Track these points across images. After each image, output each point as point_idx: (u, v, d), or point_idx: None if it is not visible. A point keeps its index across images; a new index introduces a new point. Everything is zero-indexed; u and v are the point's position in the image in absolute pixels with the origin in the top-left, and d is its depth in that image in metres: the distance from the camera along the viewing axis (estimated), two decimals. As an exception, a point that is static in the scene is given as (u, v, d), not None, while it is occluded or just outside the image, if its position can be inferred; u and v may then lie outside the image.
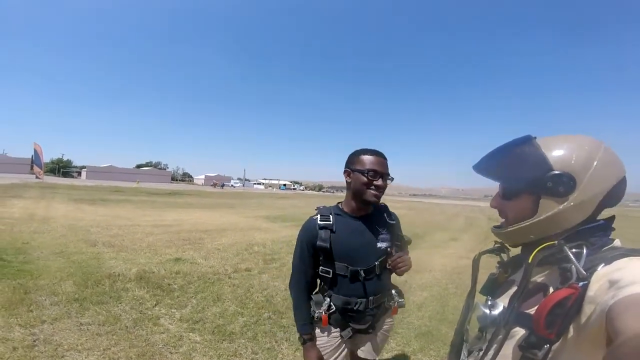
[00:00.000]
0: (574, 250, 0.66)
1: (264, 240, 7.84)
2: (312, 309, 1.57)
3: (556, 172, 0.70)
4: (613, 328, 0.50)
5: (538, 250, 0.69)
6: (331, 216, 1.55)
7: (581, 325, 0.59)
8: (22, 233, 6.67)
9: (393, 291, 1.66)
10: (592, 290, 0.59)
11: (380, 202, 1.63)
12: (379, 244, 1.55)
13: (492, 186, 0.92)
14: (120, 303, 3.48)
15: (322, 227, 1.51)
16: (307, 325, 1.56)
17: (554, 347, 0.62)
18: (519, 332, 0.69)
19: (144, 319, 3.18)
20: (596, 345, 0.57)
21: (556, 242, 0.69)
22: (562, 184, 0.70)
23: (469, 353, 0.83)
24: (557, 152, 0.72)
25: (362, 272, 1.50)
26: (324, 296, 1.57)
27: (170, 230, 8.46)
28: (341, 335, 1.56)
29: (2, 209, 10.06)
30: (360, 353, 1.68)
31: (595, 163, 0.70)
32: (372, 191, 1.48)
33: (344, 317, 1.55)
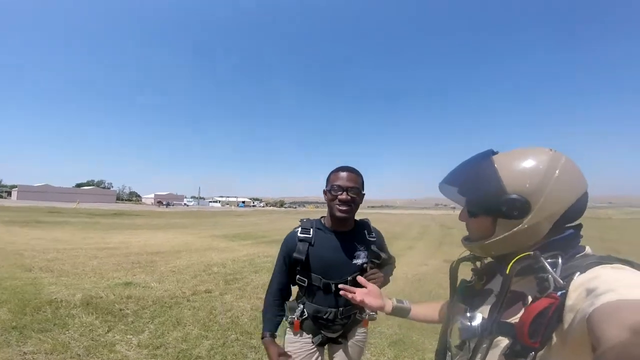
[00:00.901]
0: (549, 260, 0.68)
1: (224, 260, 7.52)
2: (286, 314, 1.65)
3: (510, 196, 0.71)
4: (594, 336, 0.52)
5: (515, 261, 0.70)
6: (312, 230, 1.61)
7: (564, 333, 0.62)
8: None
9: None
10: (570, 299, 0.61)
11: (363, 218, 1.76)
12: (355, 260, 1.60)
13: (442, 196, 0.97)
14: (67, 330, 3.13)
15: (301, 240, 1.58)
16: (270, 325, 1.63)
17: (539, 354, 0.63)
18: (503, 340, 0.70)
19: (97, 346, 2.88)
20: (581, 350, 0.59)
21: (532, 252, 0.70)
22: (516, 208, 0.71)
23: None
24: (512, 174, 0.73)
25: (333, 286, 1.56)
26: (299, 303, 1.66)
27: (116, 253, 7.85)
28: (312, 341, 1.64)
29: None
30: None
31: (550, 184, 0.70)
32: (337, 206, 1.53)
33: (315, 324, 1.63)
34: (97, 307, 3.85)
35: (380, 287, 1.61)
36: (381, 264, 1.71)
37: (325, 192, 1.61)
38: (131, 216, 24.40)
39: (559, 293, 0.62)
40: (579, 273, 0.63)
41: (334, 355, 1.74)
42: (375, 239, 1.70)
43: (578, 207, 0.73)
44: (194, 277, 5.82)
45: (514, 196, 0.71)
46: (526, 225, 0.72)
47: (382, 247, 1.74)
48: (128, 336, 3.16)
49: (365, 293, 1.25)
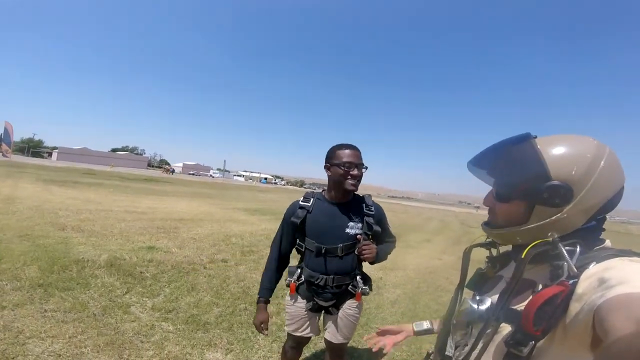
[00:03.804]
0: (567, 248, 0.65)
1: (242, 232, 7.73)
2: (286, 278, 1.82)
3: (554, 182, 0.67)
4: (602, 328, 0.50)
5: (532, 246, 0.68)
6: (312, 199, 1.78)
7: (567, 323, 0.59)
8: (-17, 213, 6.28)
9: (358, 277, 1.78)
10: (580, 288, 0.58)
11: (365, 194, 1.87)
12: (348, 230, 1.71)
13: (466, 194, 0.90)
14: (88, 290, 3.33)
15: (301, 207, 1.76)
16: (266, 290, 1.80)
17: (539, 344, 0.62)
18: (505, 328, 0.69)
19: (114, 306, 3.05)
20: (581, 343, 0.58)
21: (551, 239, 0.67)
22: (559, 195, 0.67)
23: (456, 347, 0.83)
24: (558, 160, 0.69)
25: (324, 249, 1.69)
26: (297, 268, 1.82)
27: (143, 217, 8.19)
28: (305, 307, 1.79)
29: (-39, 187, 9.46)
30: (326, 335, 1.88)
31: (595, 175, 0.66)
32: (350, 181, 1.66)
33: (309, 290, 1.77)
34: (120, 268, 4.06)
35: (372, 261, 1.74)
36: (374, 236, 1.81)
37: (329, 167, 1.72)
38: (160, 182, 25.39)
39: (570, 281, 0.60)
40: (594, 263, 0.61)
41: (326, 326, 1.87)
42: (372, 213, 1.78)
43: (614, 201, 0.70)
44: (212, 245, 6.03)
45: (558, 183, 0.67)
46: (565, 215, 0.68)
47: (380, 221, 1.82)
48: (144, 299, 3.33)
49: (386, 339, 1.24)
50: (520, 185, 0.73)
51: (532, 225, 0.71)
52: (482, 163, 0.82)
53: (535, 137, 0.74)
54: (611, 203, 0.69)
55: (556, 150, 0.69)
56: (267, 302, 1.80)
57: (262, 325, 1.76)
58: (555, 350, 0.62)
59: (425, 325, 1.18)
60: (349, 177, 1.65)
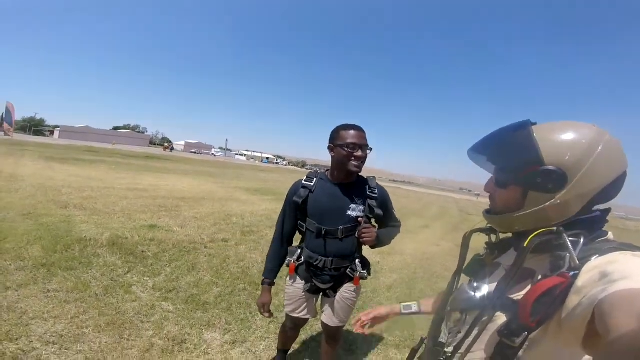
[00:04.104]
0: (571, 238, 0.65)
1: (243, 212, 7.77)
2: (287, 258, 1.82)
3: (547, 167, 0.67)
4: (603, 324, 0.49)
5: (536, 235, 0.67)
6: (315, 179, 1.76)
7: (563, 316, 0.59)
8: (-14, 192, 6.32)
9: (357, 261, 1.78)
10: (580, 281, 0.58)
11: (370, 176, 1.84)
12: (349, 212, 1.69)
13: (467, 181, 0.88)
14: (90, 269, 3.39)
15: (303, 187, 1.75)
16: (269, 272, 1.83)
17: (532, 335, 0.62)
18: (500, 317, 0.69)
19: (115, 286, 3.11)
20: (574, 336, 0.57)
21: (555, 228, 0.67)
22: (551, 180, 0.67)
23: (449, 333, 0.83)
24: (552, 145, 0.68)
25: (324, 231, 1.68)
26: (298, 248, 1.82)
27: (145, 195, 8.24)
28: (303, 288, 1.80)
29: (-36, 165, 9.49)
30: (322, 317, 1.90)
31: (591, 160, 0.66)
32: (353, 162, 1.64)
33: (308, 271, 1.78)
34: (122, 247, 4.11)
35: (373, 244, 1.72)
36: (377, 219, 1.80)
37: (332, 148, 1.69)
38: (162, 160, 25.42)
39: (571, 273, 0.59)
40: (597, 256, 0.60)
41: (323, 309, 1.89)
42: (376, 196, 1.75)
43: (614, 189, 0.69)
44: (213, 224, 6.08)
45: (551, 167, 0.67)
46: (558, 201, 0.67)
47: (384, 205, 1.80)
48: (145, 278, 3.39)
49: (367, 314, 1.28)
50: (516, 171, 0.73)
51: (527, 212, 0.71)
52: (481, 150, 0.82)
53: (535, 123, 0.74)
54: (609, 191, 0.69)
55: (552, 136, 0.69)
56: (271, 284, 1.83)
57: (264, 307, 1.80)
58: (547, 343, 0.63)
59: (414, 307, 1.19)
60: (353, 158, 1.63)
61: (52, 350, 2.16)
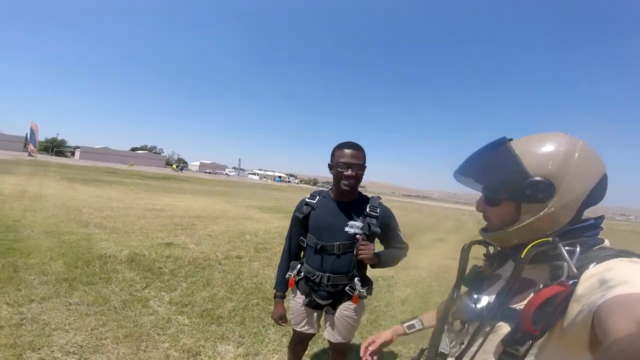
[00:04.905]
0: (567, 248, 0.66)
1: (256, 229, 7.87)
2: (288, 272, 1.87)
3: (534, 178, 0.70)
4: (602, 328, 0.49)
5: (532, 246, 0.69)
6: (318, 197, 1.84)
7: (565, 324, 0.60)
8: (12, 210, 6.62)
9: (356, 279, 1.76)
10: (580, 289, 0.59)
11: (375, 195, 1.88)
12: (347, 229, 1.71)
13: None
14: (109, 284, 3.50)
15: (306, 204, 1.82)
16: (280, 285, 1.89)
17: (537, 343, 0.62)
18: (503, 327, 0.69)
19: (133, 300, 3.20)
20: (579, 343, 0.58)
21: (551, 238, 0.68)
22: (540, 190, 0.69)
23: (452, 343, 0.83)
24: (533, 157, 0.71)
25: (319, 246, 1.73)
26: (299, 263, 1.87)
27: (162, 214, 8.44)
28: (303, 302, 1.83)
29: (-8, 186, 9.95)
30: (325, 333, 1.92)
31: (572, 165, 0.69)
32: (344, 181, 1.69)
33: (307, 286, 1.81)
34: (140, 263, 4.23)
35: (372, 262, 1.70)
36: (380, 239, 1.81)
37: (331, 167, 1.76)
38: (178, 180, 25.98)
39: (570, 282, 0.61)
40: (594, 264, 0.61)
41: (327, 325, 1.90)
42: (376, 215, 1.75)
43: (599, 190, 0.72)
44: (228, 242, 6.18)
45: (538, 178, 0.70)
46: (552, 209, 0.70)
47: (385, 224, 1.78)
48: (162, 293, 3.47)
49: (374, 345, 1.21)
50: (504, 187, 0.76)
51: (523, 224, 0.73)
52: (466, 172, 0.84)
53: (511, 139, 0.78)
54: (596, 193, 0.71)
55: (531, 149, 0.73)
56: (283, 296, 1.89)
57: (280, 319, 1.85)
58: (552, 349, 0.63)
59: (417, 325, 1.18)
60: (343, 177, 1.67)
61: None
